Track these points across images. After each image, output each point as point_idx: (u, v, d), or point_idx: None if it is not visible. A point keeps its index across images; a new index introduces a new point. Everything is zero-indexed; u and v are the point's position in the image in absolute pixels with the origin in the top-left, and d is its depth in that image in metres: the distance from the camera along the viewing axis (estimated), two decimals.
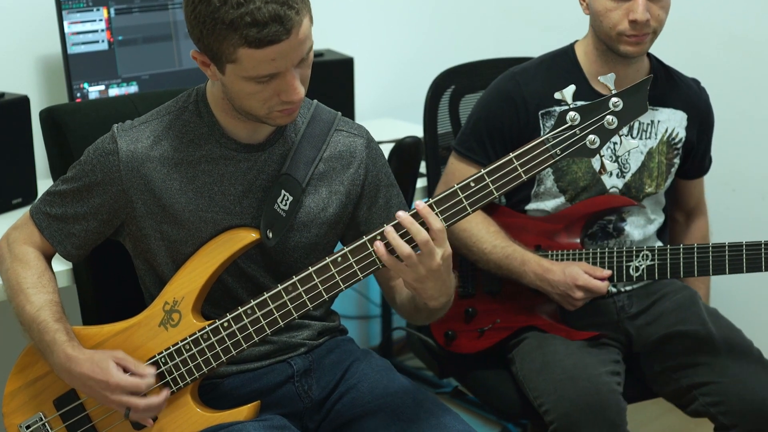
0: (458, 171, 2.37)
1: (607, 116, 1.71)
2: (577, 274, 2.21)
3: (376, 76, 3.47)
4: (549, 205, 2.36)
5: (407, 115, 3.40)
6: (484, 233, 2.31)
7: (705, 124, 2.45)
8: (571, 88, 1.73)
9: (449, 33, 3.66)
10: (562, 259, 2.30)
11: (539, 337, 2.32)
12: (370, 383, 1.95)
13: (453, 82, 2.69)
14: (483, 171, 1.72)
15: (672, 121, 2.39)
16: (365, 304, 3.64)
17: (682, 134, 2.40)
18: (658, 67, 2.39)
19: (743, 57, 3.08)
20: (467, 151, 2.36)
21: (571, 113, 1.71)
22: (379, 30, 3.51)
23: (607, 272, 2.23)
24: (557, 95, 1.73)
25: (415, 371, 3.45)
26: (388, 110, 3.51)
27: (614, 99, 1.71)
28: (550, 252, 2.32)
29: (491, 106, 2.36)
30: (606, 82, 1.74)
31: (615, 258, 2.28)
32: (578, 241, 2.33)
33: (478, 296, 2.41)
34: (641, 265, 2.26)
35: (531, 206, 2.39)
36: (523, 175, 1.72)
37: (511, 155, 1.72)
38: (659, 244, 2.47)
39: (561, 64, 2.37)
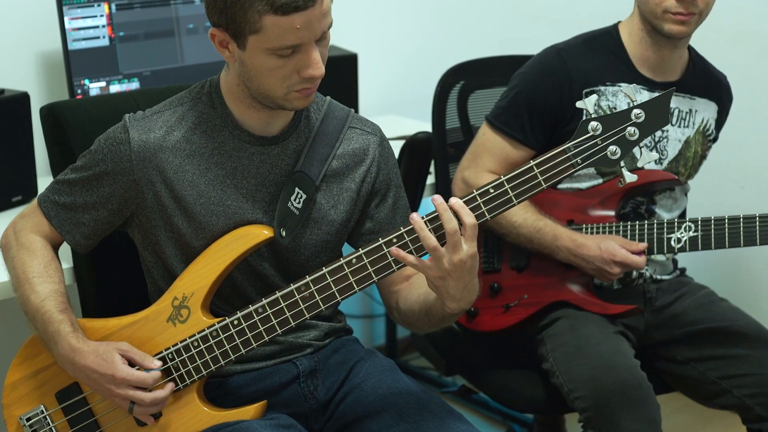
0: (489, 142, 2.34)
1: (629, 127, 1.71)
2: (614, 250, 2.19)
3: (380, 73, 3.46)
4: (584, 185, 2.34)
5: (411, 111, 3.40)
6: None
7: (726, 117, 2.46)
8: (593, 98, 1.73)
9: (454, 29, 3.66)
10: (597, 233, 2.27)
11: (571, 316, 2.27)
12: (373, 383, 1.94)
13: (462, 78, 2.67)
14: (503, 177, 1.71)
15: (707, 112, 2.39)
16: (370, 304, 3.62)
17: (713, 126, 2.41)
18: (696, 57, 2.39)
19: (753, 52, 3.07)
20: (503, 124, 2.32)
21: (593, 123, 1.70)
22: (383, 26, 3.50)
23: (643, 245, 2.22)
24: (579, 104, 1.73)
25: (420, 371, 3.45)
26: (393, 107, 3.50)
27: (636, 110, 1.70)
28: (584, 225, 2.29)
29: (534, 81, 2.32)
30: (629, 93, 1.74)
31: (655, 230, 2.26)
32: (613, 214, 2.30)
33: (504, 272, 2.36)
34: (683, 237, 2.25)
35: (564, 186, 2.36)
36: (543, 183, 1.71)
37: (532, 163, 1.71)
38: None
39: (605, 44, 2.34)
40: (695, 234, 2.24)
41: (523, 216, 2.27)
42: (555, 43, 2.37)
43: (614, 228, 2.27)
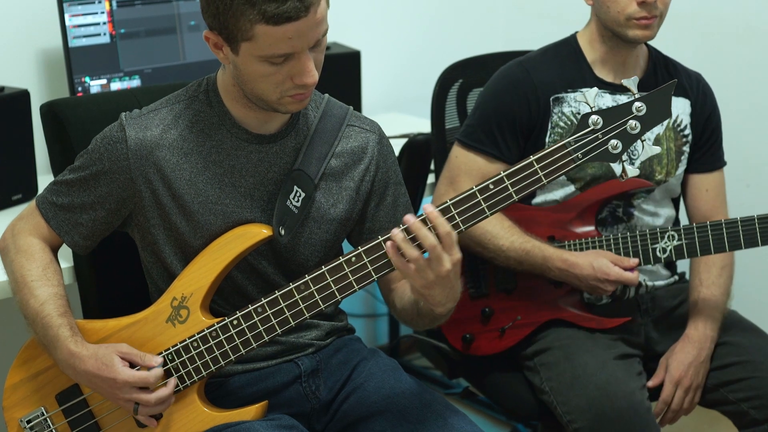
0: (464, 164, 2.34)
1: (630, 121, 1.69)
2: (607, 268, 2.18)
3: (383, 70, 3.46)
4: (558, 194, 2.33)
5: (414, 109, 3.39)
6: (499, 229, 2.27)
7: (708, 114, 2.42)
8: (593, 90, 1.71)
9: (457, 26, 3.65)
10: (582, 248, 2.26)
11: (564, 346, 2.26)
12: (376, 383, 1.93)
13: (461, 76, 2.66)
14: (503, 173, 1.69)
15: (676, 108, 2.37)
16: (372, 303, 3.62)
17: (687, 121, 2.39)
18: (657, 55, 2.39)
19: (759, 49, 3.05)
20: (475, 142, 2.32)
21: (594, 117, 1.69)
22: (386, 23, 3.50)
23: (635, 261, 2.21)
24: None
25: (423, 371, 3.43)
26: (395, 104, 3.50)
27: (637, 103, 1.69)
28: (568, 242, 2.28)
29: (501, 95, 2.33)
30: (629, 85, 1.71)
31: (639, 241, 2.25)
32: (593, 228, 2.30)
33: (493, 295, 2.36)
34: (668, 246, 2.24)
35: (538, 200, 2.36)
36: (543, 178, 1.69)
37: (532, 158, 1.69)
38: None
39: (565, 53, 2.36)
40: (679, 243, 2.24)
41: (509, 239, 2.26)
42: (516, 58, 2.39)
43: (597, 242, 2.27)
